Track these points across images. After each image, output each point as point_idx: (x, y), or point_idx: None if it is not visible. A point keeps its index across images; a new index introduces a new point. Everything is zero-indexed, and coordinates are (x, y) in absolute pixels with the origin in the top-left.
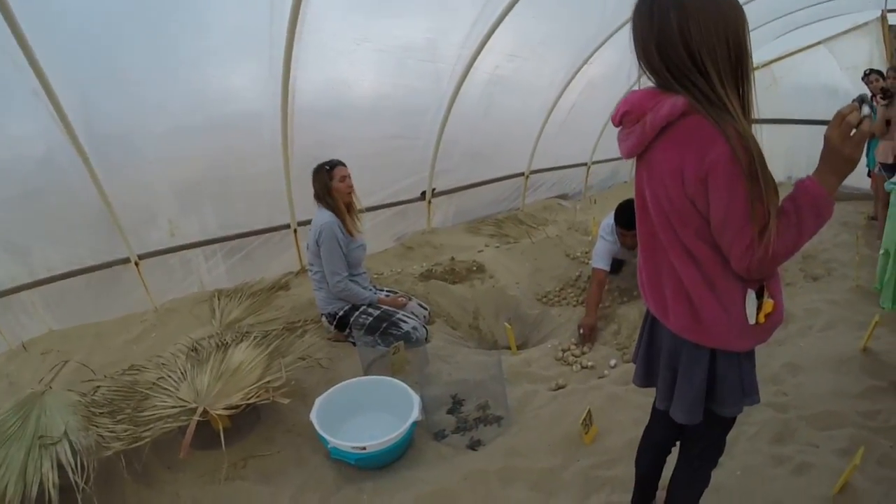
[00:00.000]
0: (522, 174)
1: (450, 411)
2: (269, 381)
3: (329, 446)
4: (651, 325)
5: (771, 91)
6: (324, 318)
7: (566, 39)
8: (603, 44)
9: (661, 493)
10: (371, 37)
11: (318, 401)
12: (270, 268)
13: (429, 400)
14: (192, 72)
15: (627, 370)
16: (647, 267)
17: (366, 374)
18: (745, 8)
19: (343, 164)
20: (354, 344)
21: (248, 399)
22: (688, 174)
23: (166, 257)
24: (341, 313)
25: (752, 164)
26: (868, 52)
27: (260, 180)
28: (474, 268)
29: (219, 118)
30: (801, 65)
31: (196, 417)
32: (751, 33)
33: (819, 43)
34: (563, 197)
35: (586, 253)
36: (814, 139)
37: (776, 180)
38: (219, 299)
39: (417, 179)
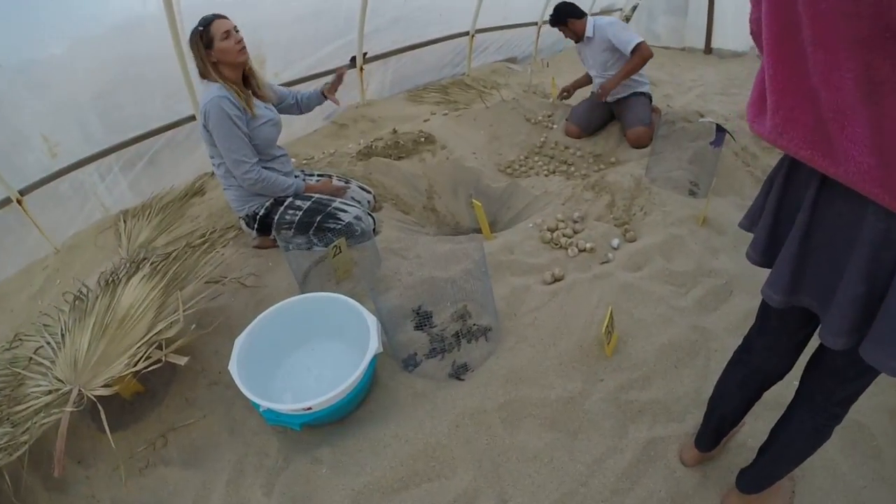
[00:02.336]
0: (467, 34)
1: (418, 326)
2: (158, 333)
3: (262, 411)
4: (815, 205)
5: None
6: (242, 223)
7: None
8: None
9: None
10: None
11: (237, 343)
12: (180, 172)
13: (388, 314)
14: None
15: (634, 251)
16: (853, 82)
17: (303, 288)
18: None
19: (223, 17)
20: (286, 249)
21: (134, 366)
22: None
23: (54, 185)
24: (262, 212)
25: None
26: None
27: (150, 77)
28: (422, 139)
29: (97, 32)
30: None
31: (69, 409)
32: None
33: None
34: (512, 60)
35: (549, 116)
36: None
37: (740, 49)
38: (125, 222)
39: (344, 43)
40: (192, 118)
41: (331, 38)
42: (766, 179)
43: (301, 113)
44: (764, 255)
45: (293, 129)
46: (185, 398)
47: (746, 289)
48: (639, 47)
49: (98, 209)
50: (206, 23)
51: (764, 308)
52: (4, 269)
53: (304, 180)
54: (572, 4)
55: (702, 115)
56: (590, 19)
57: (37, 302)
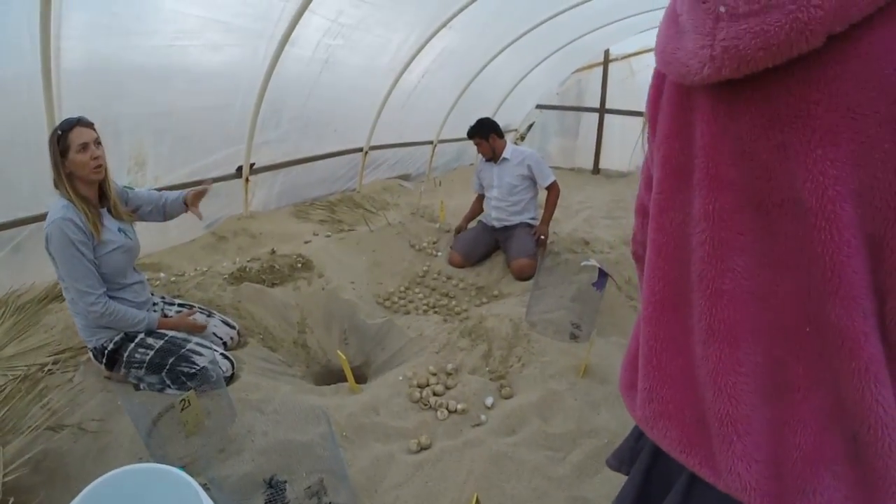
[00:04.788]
0: (361, 150)
1: (269, 502)
2: None
3: None
4: (689, 491)
5: (627, 82)
6: (91, 355)
7: None
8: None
9: None
10: None
11: None
12: (46, 266)
13: (238, 483)
14: None
15: (509, 411)
16: (753, 386)
17: (148, 442)
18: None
19: (86, 124)
20: (137, 387)
21: None
22: None
23: None
24: (111, 346)
25: None
26: None
27: (20, 162)
28: (299, 264)
29: None
30: None
31: None
32: (613, 24)
33: None
34: (405, 178)
35: (434, 243)
36: None
37: (625, 170)
38: None
39: (234, 151)
40: None
41: (220, 145)
42: None
43: (164, 220)
44: None
45: (170, 236)
46: None
47: None
48: (554, 185)
49: None
50: (66, 128)
51: None
52: None
53: (163, 309)
54: (497, 123)
55: (587, 243)
56: (509, 143)
57: None
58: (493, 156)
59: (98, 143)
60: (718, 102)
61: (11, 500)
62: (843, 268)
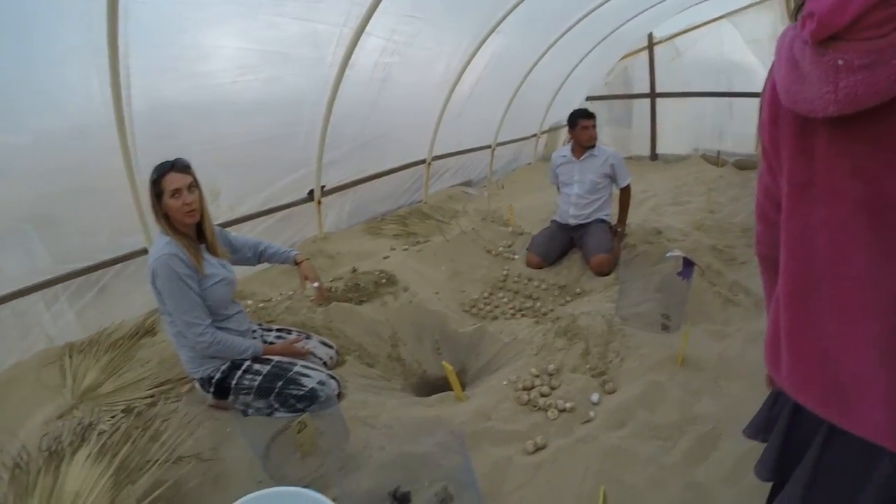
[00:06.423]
0: (424, 161)
1: None
2: None
3: None
4: (827, 442)
5: (675, 64)
6: (197, 385)
7: None
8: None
9: None
10: None
11: None
12: (132, 304)
13: (362, 499)
14: None
15: (615, 406)
16: (875, 350)
17: (265, 464)
18: None
19: (181, 169)
20: (245, 413)
21: None
22: None
23: None
24: (218, 375)
25: None
26: (772, 26)
27: (100, 200)
28: (383, 279)
29: (37, 137)
30: (704, 38)
31: None
32: (654, 7)
33: (722, 17)
34: (468, 184)
35: (509, 247)
36: (718, 111)
37: (684, 153)
38: (70, 357)
39: (302, 175)
40: (144, 251)
41: (288, 171)
42: (772, 393)
43: (257, 264)
44: (772, 473)
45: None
46: None
47: (734, 431)
48: (629, 185)
49: (42, 339)
50: (159, 173)
51: None
52: None
53: (262, 336)
54: None
55: (659, 232)
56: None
57: None
58: (590, 144)
59: (191, 187)
60: (835, 130)
61: None
62: None
